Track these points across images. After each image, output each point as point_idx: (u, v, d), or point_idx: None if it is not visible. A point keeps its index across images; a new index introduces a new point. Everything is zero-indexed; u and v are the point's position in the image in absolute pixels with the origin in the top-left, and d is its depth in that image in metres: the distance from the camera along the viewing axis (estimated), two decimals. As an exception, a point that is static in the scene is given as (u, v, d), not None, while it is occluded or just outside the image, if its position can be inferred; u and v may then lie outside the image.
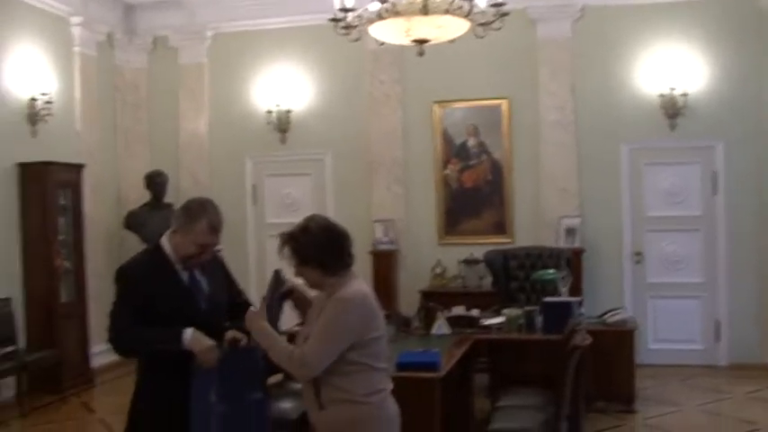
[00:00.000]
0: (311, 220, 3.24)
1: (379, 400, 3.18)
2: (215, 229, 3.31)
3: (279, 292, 3.26)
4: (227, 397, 3.24)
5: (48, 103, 8.31)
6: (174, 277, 3.33)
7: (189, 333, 3.18)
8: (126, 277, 3.30)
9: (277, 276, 3.28)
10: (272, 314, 3.21)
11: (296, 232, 3.19)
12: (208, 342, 3.20)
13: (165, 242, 3.35)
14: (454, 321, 6.24)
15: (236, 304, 3.54)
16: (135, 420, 3.36)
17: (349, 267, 3.21)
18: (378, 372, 3.20)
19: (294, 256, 3.18)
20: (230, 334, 3.31)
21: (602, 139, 8.70)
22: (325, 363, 3.06)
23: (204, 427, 3.19)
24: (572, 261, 7.56)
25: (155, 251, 3.37)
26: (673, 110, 8.42)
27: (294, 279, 3.30)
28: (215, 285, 3.46)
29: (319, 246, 3.15)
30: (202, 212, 3.30)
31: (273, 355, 3.13)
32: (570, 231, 8.44)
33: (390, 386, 3.29)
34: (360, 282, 3.24)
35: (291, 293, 3.33)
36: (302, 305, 3.37)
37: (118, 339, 3.26)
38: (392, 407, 3.27)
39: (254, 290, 9.50)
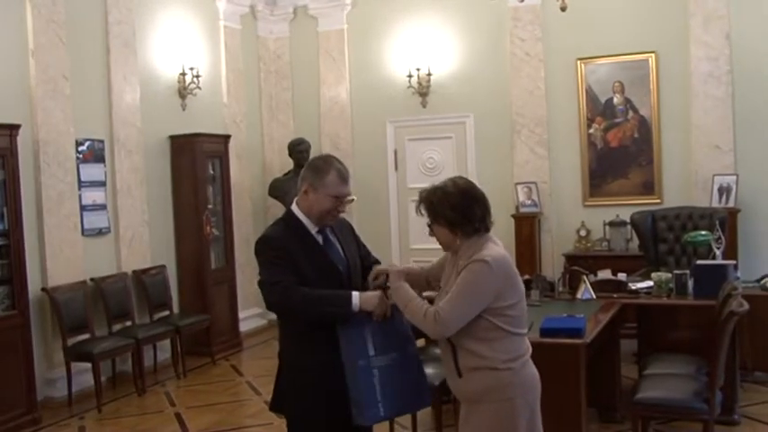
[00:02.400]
0: (451, 179, 3.26)
1: (518, 366, 3.13)
2: (344, 178, 3.33)
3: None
4: (386, 350, 3.26)
5: (196, 76, 8.66)
6: (312, 241, 3.34)
7: (356, 295, 3.21)
8: (270, 246, 3.29)
9: None
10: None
11: (433, 190, 3.22)
12: (375, 295, 3.23)
13: (296, 208, 3.37)
14: (600, 286, 6.05)
15: (367, 266, 3.56)
16: (284, 391, 3.40)
17: (480, 233, 3.17)
18: (516, 337, 3.15)
19: (427, 212, 3.23)
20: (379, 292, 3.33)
21: (761, 90, 8.14)
22: (459, 322, 3.04)
23: (368, 380, 3.21)
24: (726, 222, 7.15)
25: (288, 219, 3.39)
26: (843, 55, 7.79)
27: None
28: (348, 247, 3.48)
29: (450, 205, 3.15)
30: (328, 165, 3.33)
31: (408, 312, 3.14)
32: (724, 190, 8.00)
33: (529, 351, 3.23)
34: (498, 247, 3.19)
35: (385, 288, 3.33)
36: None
37: (285, 300, 3.20)
38: (532, 372, 3.21)
39: (396, 256, 9.63)
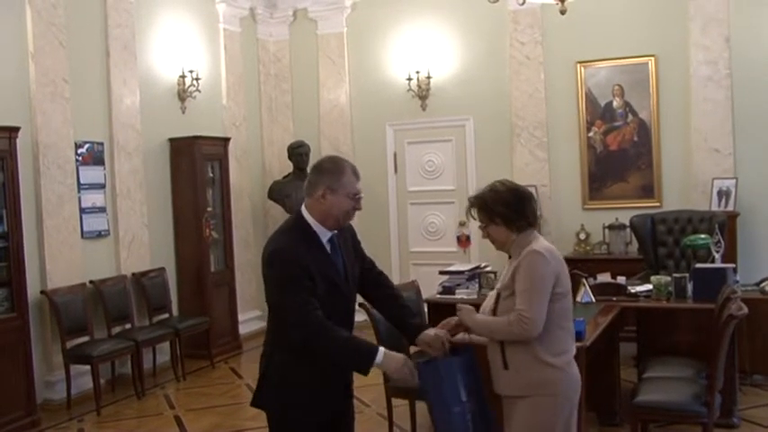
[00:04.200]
0: (498, 181, 3.39)
1: (563, 363, 3.20)
2: (358, 174, 3.27)
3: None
4: (474, 393, 3.24)
5: (196, 79, 8.67)
6: (323, 251, 3.22)
7: (381, 353, 3.09)
8: (291, 261, 3.10)
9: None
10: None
11: (483, 192, 3.35)
12: (400, 358, 3.12)
13: (308, 215, 3.22)
14: (599, 289, 6.05)
15: (373, 277, 3.52)
16: (271, 387, 3.26)
17: (532, 227, 3.30)
18: (563, 331, 3.23)
19: (481, 214, 3.33)
20: (442, 335, 3.27)
21: (761, 93, 8.13)
22: (543, 314, 3.12)
23: (463, 427, 3.18)
24: (726, 225, 7.16)
25: (303, 227, 3.23)
26: (842, 60, 7.78)
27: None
28: (348, 254, 3.37)
29: (504, 203, 3.27)
30: (342, 165, 3.25)
31: (496, 335, 3.22)
32: (723, 194, 8.00)
33: (574, 349, 3.31)
34: (545, 240, 3.33)
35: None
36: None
37: (315, 337, 3.06)
38: (576, 373, 3.27)
39: (396, 258, 9.61)
